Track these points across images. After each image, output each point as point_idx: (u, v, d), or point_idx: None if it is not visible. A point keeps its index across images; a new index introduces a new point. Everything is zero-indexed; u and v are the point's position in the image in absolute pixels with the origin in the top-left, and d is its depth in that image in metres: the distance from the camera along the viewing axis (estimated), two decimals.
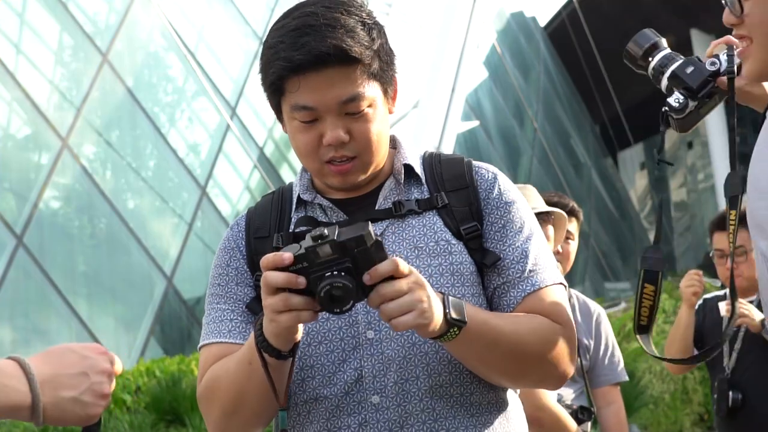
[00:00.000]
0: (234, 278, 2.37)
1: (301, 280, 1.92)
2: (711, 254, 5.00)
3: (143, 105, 17.75)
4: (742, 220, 4.84)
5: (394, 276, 1.94)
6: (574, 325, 2.25)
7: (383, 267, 1.93)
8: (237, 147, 19.09)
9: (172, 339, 16.96)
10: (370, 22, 2.23)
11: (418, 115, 16.76)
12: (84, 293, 16.33)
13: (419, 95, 17.28)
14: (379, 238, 1.94)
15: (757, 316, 4.68)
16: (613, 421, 4.60)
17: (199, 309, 17.05)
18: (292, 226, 2.33)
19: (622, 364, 4.63)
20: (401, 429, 2.18)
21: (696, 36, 34.35)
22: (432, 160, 2.37)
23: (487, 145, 25.97)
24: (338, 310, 1.92)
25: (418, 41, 22.43)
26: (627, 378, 4.71)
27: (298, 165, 2.42)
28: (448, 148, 16.25)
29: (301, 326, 2.07)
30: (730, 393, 4.85)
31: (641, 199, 43.45)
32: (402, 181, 2.32)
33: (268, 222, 2.36)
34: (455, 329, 2.04)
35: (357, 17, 2.20)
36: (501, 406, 2.28)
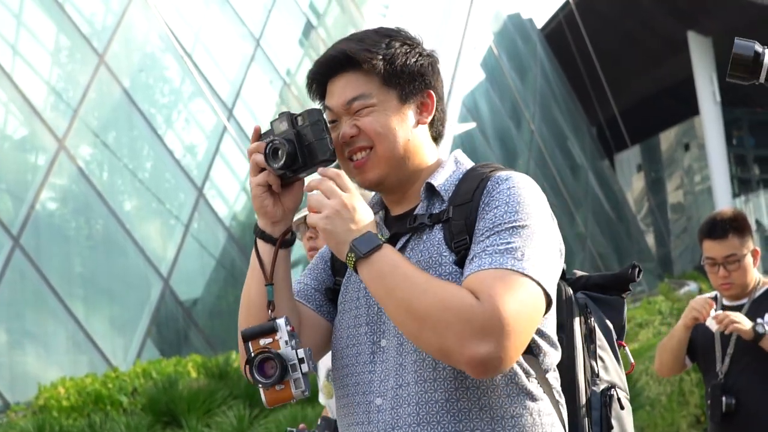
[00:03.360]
0: (319, 268, 2.69)
1: (261, 145, 2.39)
2: (702, 262, 4.95)
3: (140, 106, 17.75)
4: (734, 226, 4.84)
5: (336, 181, 2.32)
6: (512, 323, 2.16)
7: (328, 171, 2.35)
8: (234, 148, 19.08)
9: (169, 340, 16.95)
10: (402, 40, 2.52)
11: None
12: (80, 294, 16.33)
13: None
14: (321, 119, 2.39)
15: (747, 324, 4.66)
16: None
17: (196, 310, 17.06)
18: None
19: None
20: (393, 430, 2.34)
21: (693, 38, 34.38)
22: (464, 175, 2.50)
23: (484, 146, 25.96)
24: (276, 166, 2.36)
25: None
26: None
27: None
28: (444, 150, 16.28)
29: (278, 213, 2.45)
30: (724, 398, 4.83)
31: (638, 201, 43.48)
32: (425, 199, 2.48)
33: None
34: (351, 254, 2.26)
35: (385, 35, 2.51)
36: (493, 411, 2.33)
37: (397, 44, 2.49)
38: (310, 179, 2.41)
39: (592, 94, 32.03)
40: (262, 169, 2.42)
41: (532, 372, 2.37)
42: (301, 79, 22.21)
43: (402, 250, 2.45)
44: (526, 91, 29.82)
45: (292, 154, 2.37)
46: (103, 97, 17.57)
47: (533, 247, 2.28)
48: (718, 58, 34.08)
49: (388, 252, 2.26)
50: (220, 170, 19.38)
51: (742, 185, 39.76)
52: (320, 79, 2.51)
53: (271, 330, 2.33)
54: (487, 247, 2.27)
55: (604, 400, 2.57)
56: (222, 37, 20.48)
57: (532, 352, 2.38)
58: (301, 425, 3.66)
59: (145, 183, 17.98)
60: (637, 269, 2.73)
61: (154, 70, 19.69)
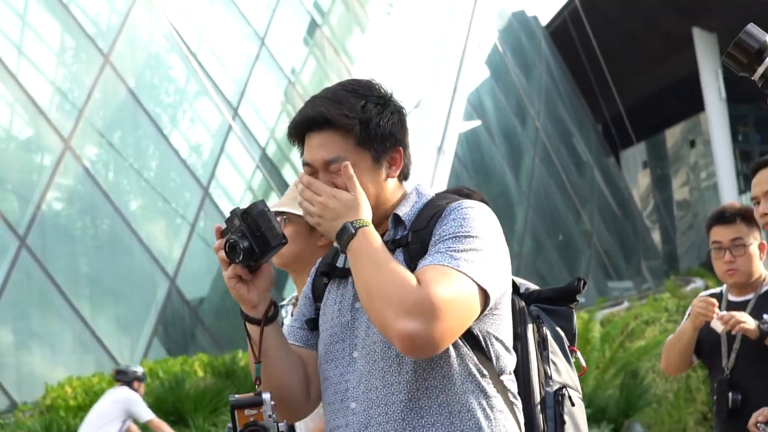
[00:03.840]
0: (303, 305, 2.99)
1: (221, 243, 2.65)
2: (709, 246, 4.95)
3: (145, 106, 17.76)
4: (742, 215, 4.84)
5: (346, 182, 2.64)
6: (441, 307, 2.47)
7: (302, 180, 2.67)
8: (239, 147, 19.09)
9: (176, 340, 16.97)
10: (375, 101, 2.73)
11: (420, 114, 16.73)
12: (86, 294, 16.35)
13: (421, 95, 17.26)
14: (265, 209, 2.63)
15: (752, 323, 4.65)
16: None
17: (202, 309, 17.08)
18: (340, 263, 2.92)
19: None
20: (366, 429, 2.68)
21: (698, 34, 34.37)
22: (425, 205, 2.80)
23: (490, 144, 25.98)
24: (237, 261, 2.62)
25: (419, 41, 22.44)
26: None
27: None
28: (450, 148, 16.23)
29: (254, 297, 2.71)
30: (730, 394, 4.81)
31: (644, 198, 43.46)
32: (391, 228, 2.78)
33: (325, 262, 2.96)
34: (337, 242, 2.63)
35: (360, 95, 2.72)
36: (450, 407, 2.66)
37: (372, 106, 2.71)
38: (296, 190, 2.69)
39: (598, 91, 31.99)
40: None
41: (486, 373, 2.66)
42: (306, 77, 22.23)
43: None
44: (531, 88, 29.81)
45: (248, 247, 2.63)
46: (108, 97, 17.58)
47: (472, 251, 2.59)
48: (723, 54, 34.04)
49: (360, 239, 2.60)
50: (226, 169, 19.39)
51: (747, 181, 39.41)
52: (299, 134, 2.76)
53: (258, 403, 2.64)
54: (433, 252, 2.59)
55: (557, 398, 2.91)
56: (227, 36, 20.49)
57: (486, 355, 2.67)
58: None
59: (151, 182, 17.99)
60: (582, 282, 3.03)
61: (159, 69, 19.70)
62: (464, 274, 2.53)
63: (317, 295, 2.94)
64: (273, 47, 20.36)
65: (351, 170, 2.66)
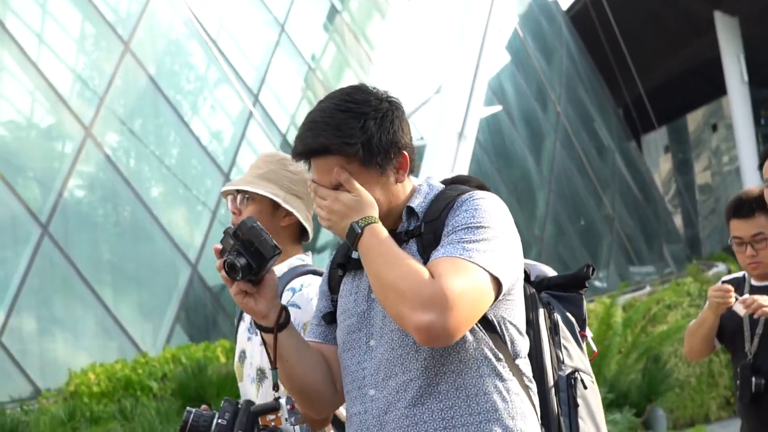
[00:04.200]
0: (320, 295, 3.13)
1: (220, 263, 2.77)
2: (729, 242, 4.91)
3: (166, 93, 17.79)
4: (762, 206, 4.79)
5: (344, 186, 2.75)
6: (455, 298, 2.55)
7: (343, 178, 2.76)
8: (260, 134, 19.11)
9: (198, 326, 17.02)
10: (373, 115, 2.80)
11: (441, 100, 16.71)
12: (109, 281, 16.41)
13: (442, 81, 17.23)
14: (254, 224, 2.76)
15: None
16: None
17: (224, 296, 17.12)
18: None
19: None
20: (386, 414, 2.77)
21: (719, 18, 34.17)
22: (436, 196, 2.90)
23: (510, 129, 25.93)
24: (238, 278, 2.75)
25: (439, 27, 22.39)
26: None
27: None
28: (471, 133, 16.22)
29: (263, 308, 2.85)
30: (753, 378, 4.79)
31: (665, 183, 43.32)
32: (405, 220, 2.89)
33: (340, 254, 3.04)
34: (349, 242, 2.75)
35: (357, 115, 2.78)
36: (467, 390, 2.74)
37: (371, 123, 2.79)
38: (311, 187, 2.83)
39: (619, 75, 31.86)
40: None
41: (501, 356, 2.76)
42: (326, 63, 22.22)
43: None
44: (551, 72, 29.71)
45: (245, 264, 2.75)
46: (128, 84, 17.61)
47: (484, 241, 2.68)
48: (745, 37, 33.86)
49: (367, 237, 2.71)
50: (247, 156, 19.40)
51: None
52: (303, 158, 2.86)
53: (275, 408, 2.85)
54: (446, 243, 2.69)
55: (570, 382, 2.99)
56: (246, 22, 20.49)
57: (501, 339, 2.77)
58: (203, 406, 3.70)
59: (172, 169, 18.02)
60: (591, 268, 3.12)
61: (179, 56, 19.72)
62: (477, 264, 2.63)
63: (333, 287, 3.05)
64: (293, 33, 20.34)
65: (345, 173, 2.77)
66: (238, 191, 3.82)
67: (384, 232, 2.72)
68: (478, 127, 17.03)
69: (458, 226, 2.72)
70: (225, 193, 3.94)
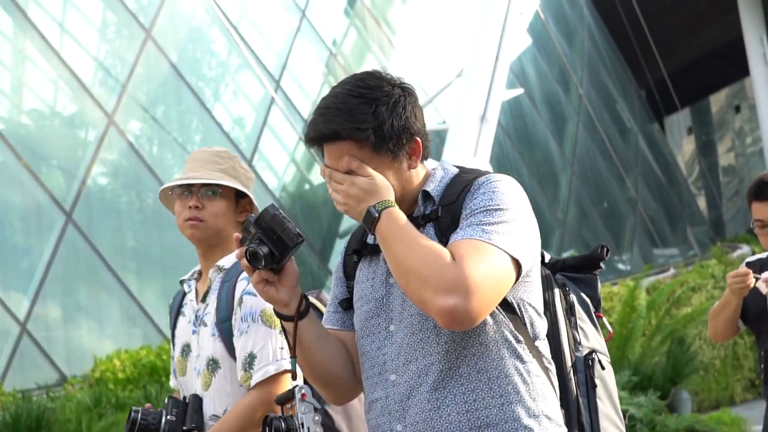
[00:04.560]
0: (335, 282, 3.12)
1: (242, 252, 2.76)
2: (752, 224, 4.88)
3: (188, 80, 17.81)
4: None
5: (357, 172, 2.74)
6: (477, 282, 2.56)
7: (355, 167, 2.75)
8: (282, 119, 19.12)
9: None
10: (385, 101, 2.80)
11: (463, 84, 16.66)
12: (133, 268, 16.47)
13: (463, 64, 17.18)
14: (277, 212, 2.75)
15: None
16: None
17: None
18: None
19: None
20: (408, 399, 2.77)
21: None
22: (451, 180, 2.91)
23: (533, 112, 25.86)
24: (260, 267, 2.73)
25: (460, 10, 22.33)
26: None
27: None
28: (493, 117, 16.16)
29: (284, 296, 2.82)
30: None
31: (689, 164, 43.14)
32: (421, 204, 2.89)
33: (355, 240, 3.06)
34: (367, 226, 2.74)
35: (370, 100, 2.79)
36: (488, 373, 2.74)
37: (383, 109, 2.79)
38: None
39: (641, 56, 31.71)
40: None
41: (521, 338, 2.77)
42: (347, 49, 22.19)
43: None
44: (573, 55, 29.61)
45: (268, 252, 2.73)
46: (150, 71, 17.64)
47: (503, 223, 2.68)
48: None
49: (385, 221, 2.70)
50: (269, 142, 19.43)
51: None
52: (316, 144, 2.85)
53: (291, 398, 2.85)
54: (465, 226, 2.69)
55: (587, 363, 2.99)
56: (267, 9, 20.48)
57: (521, 321, 2.78)
58: (147, 405, 3.74)
59: None
60: (605, 249, 3.13)
61: (200, 43, 19.74)
62: (497, 247, 2.64)
63: (348, 273, 3.06)
64: (314, 19, 20.33)
65: (356, 161, 2.77)
66: (203, 185, 3.86)
67: (402, 215, 2.72)
68: (500, 111, 16.98)
69: (477, 209, 2.72)
70: (171, 189, 3.97)
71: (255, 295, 3.61)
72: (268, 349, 3.66)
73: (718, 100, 42.71)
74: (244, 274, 3.69)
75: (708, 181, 41.79)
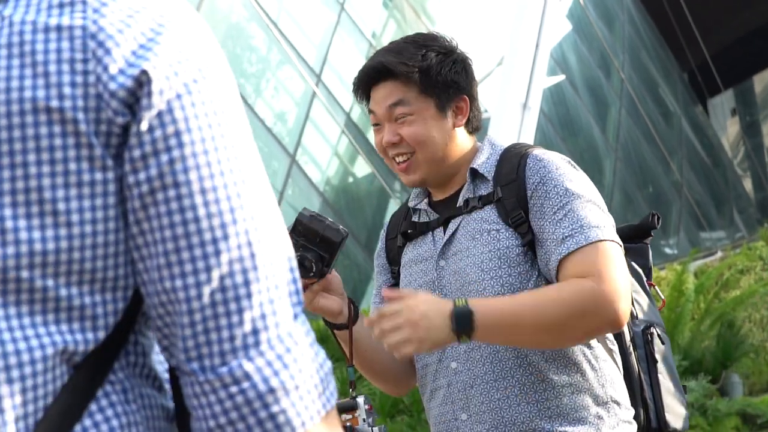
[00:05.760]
0: (378, 270, 3.05)
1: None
2: None
3: None
4: None
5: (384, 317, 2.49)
6: (617, 274, 2.54)
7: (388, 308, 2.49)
8: (324, 113, 19.18)
9: None
10: (437, 50, 2.79)
11: (504, 72, 16.64)
12: None
13: (503, 53, 17.16)
14: (313, 214, 2.60)
15: None
16: None
17: None
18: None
19: None
20: (471, 389, 2.70)
21: None
22: (501, 156, 2.81)
23: (575, 98, 25.78)
24: (310, 275, 2.58)
25: None
26: None
27: None
28: (534, 104, 16.12)
29: (335, 305, 2.72)
30: None
31: (734, 146, 42.80)
32: (470, 182, 2.80)
33: (396, 226, 2.98)
34: (464, 336, 2.47)
35: (421, 45, 2.78)
36: (557, 362, 2.69)
37: (433, 54, 2.77)
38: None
39: (682, 39, 31.51)
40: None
41: None
42: (387, 40, 22.16)
43: (456, 229, 2.79)
44: (614, 39, 29.47)
45: (315, 257, 2.61)
46: None
47: (596, 211, 2.66)
48: None
49: (480, 312, 2.47)
50: (312, 136, 19.49)
51: None
52: (364, 87, 2.85)
53: (352, 407, 2.69)
54: (566, 227, 2.60)
55: (646, 338, 2.90)
56: (306, 3, 20.54)
57: None
58: None
59: None
60: (656, 217, 3.08)
61: (240, 39, 19.83)
62: (603, 240, 2.60)
63: (392, 258, 2.99)
64: (353, 12, 20.37)
65: (404, 104, 2.74)
66: None
67: (486, 302, 2.55)
68: (541, 98, 16.94)
69: (565, 205, 2.64)
70: None
71: None
72: None
73: (762, 80, 42.34)
74: None
75: (753, 162, 41.45)
